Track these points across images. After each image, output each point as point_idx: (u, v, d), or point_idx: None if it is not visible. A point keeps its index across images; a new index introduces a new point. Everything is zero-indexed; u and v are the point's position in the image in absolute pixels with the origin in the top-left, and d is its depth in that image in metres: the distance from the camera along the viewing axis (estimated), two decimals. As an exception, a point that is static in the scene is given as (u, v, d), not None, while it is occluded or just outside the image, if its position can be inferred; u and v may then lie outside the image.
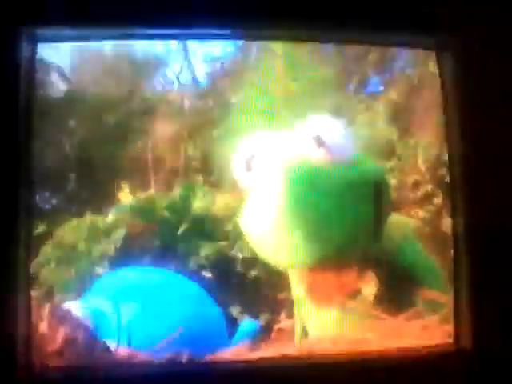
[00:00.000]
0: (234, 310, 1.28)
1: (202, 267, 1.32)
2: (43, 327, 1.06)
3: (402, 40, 1.18)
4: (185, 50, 1.34)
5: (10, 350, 0.93)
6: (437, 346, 1.09)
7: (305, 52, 1.28)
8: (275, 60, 1.27)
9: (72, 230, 1.30)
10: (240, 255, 1.32)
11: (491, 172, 1.06)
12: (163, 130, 1.37)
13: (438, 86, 1.12)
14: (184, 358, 1.07)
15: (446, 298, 1.12)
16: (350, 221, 1.23)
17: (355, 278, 1.24)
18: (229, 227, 1.34)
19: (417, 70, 1.38)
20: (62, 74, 1.29)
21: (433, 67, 1.15)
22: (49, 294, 1.16)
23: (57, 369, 1.02)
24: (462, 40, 1.08)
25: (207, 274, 1.31)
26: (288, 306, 1.28)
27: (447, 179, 1.11)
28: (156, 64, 1.37)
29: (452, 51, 1.10)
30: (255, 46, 1.35)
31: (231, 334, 1.24)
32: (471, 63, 1.08)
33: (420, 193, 1.36)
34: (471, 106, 1.07)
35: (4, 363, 0.92)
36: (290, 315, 1.28)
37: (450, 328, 1.08)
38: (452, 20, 1.08)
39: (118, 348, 1.12)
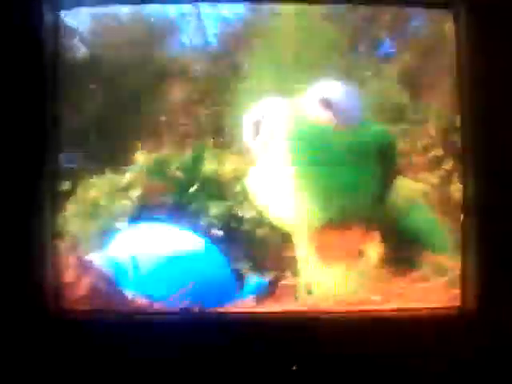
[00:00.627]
0: (242, 267, 1.33)
1: (211, 225, 1.36)
2: (69, 276, 1.14)
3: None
4: (197, 13, 1.36)
5: (41, 295, 1.03)
6: (442, 308, 1.11)
7: (316, 14, 1.27)
8: (286, 22, 1.27)
9: (93, 188, 1.37)
10: (248, 214, 1.36)
11: (503, 137, 1.05)
12: (176, 92, 1.40)
13: (452, 49, 1.11)
14: (195, 309, 1.14)
15: (453, 263, 1.13)
16: (357, 182, 1.24)
17: (361, 239, 1.27)
18: (237, 188, 1.38)
19: (431, 31, 1.35)
20: (83, 39, 1.34)
21: (448, 29, 1.13)
22: (74, 246, 1.24)
23: (82, 313, 1.11)
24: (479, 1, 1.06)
25: (217, 232, 1.35)
26: (293, 264, 1.32)
27: (458, 144, 1.11)
28: (170, 28, 1.40)
29: (468, 12, 1.08)
30: (266, 9, 1.35)
31: (239, 289, 1.30)
32: (487, 25, 1.06)
33: (430, 157, 1.35)
34: (486, 70, 1.06)
35: (35, 307, 1.02)
36: (296, 273, 1.31)
37: (455, 292, 1.10)
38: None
39: (135, 297, 1.19)
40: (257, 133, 1.29)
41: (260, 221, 1.33)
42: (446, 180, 1.30)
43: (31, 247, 1.02)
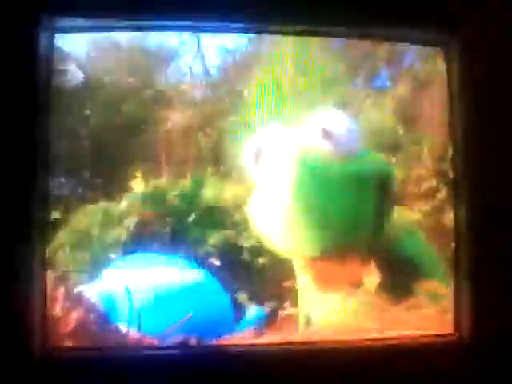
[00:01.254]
0: (241, 297, 1.31)
1: (210, 255, 1.35)
2: (58, 309, 1.09)
3: (411, 36, 1.21)
4: (198, 41, 1.36)
5: (27, 331, 0.98)
6: (437, 335, 1.12)
7: (315, 46, 1.29)
8: (285, 54, 1.29)
9: (86, 216, 1.33)
10: (247, 244, 1.35)
11: (493, 168, 1.08)
12: (175, 119, 1.39)
13: (444, 83, 1.15)
14: (192, 343, 1.11)
15: (447, 289, 1.16)
16: (355, 212, 1.26)
17: (358, 268, 1.28)
18: (237, 216, 1.37)
19: (424, 66, 1.39)
20: (79, 64, 1.32)
21: (440, 64, 1.17)
22: (63, 278, 1.19)
23: (70, 349, 1.06)
24: (469, 38, 1.10)
25: (215, 262, 1.34)
26: (293, 293, 1.31)
27: (451, 173, 1.14)
28: (169, 55, 1.40)
29: (459, 49, 1.12)
30: (266, 40, 1.37)
31: (238, 321, 1.28)
32: (478, 61, 1.10)
33: (424, 187, 1.38)
34: (477, 103, 1.10)
35: (21, 343, 0.97)
36: (295, 303, 1.31)
37: (450, 318, 1.12)
38: (460, 18, 1.10)
39: (129, 331, 1.15)
40: (257, 161, 1.29)
41: (259, 250, 1.33)
42: (440, 209, 1.33)
43: (17, 278, 0.97)
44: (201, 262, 1.33)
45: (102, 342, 1.12)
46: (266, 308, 1.29)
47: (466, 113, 1.12)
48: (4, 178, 0.97)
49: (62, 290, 1.13)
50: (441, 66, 1.17)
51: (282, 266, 1.31)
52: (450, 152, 1.14)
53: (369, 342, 1.11)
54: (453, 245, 1.13)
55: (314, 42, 1.30)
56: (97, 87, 1.35)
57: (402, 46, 1.42)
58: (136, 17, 1.08)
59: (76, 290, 1.18)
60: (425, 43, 1.24)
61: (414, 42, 1.29)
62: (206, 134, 1.41)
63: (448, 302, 1.14)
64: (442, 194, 1.33)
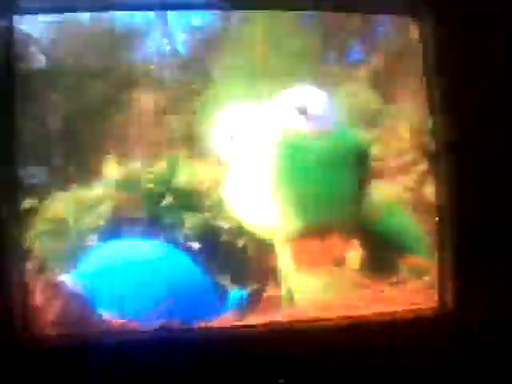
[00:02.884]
0: (222, 279, 1.30)
1: (188, 238, 1.32)
2: (38, 299, 1.07)
3: (383, 6, 1.18)
4: (164, 20, 1.32)
5: (8, 322, 0.96)
6: (421, 310, 1.11)
7: (284, 21, 1.27)
8: (255, 30, 1.26)
9: (60, 204, 1.30)
10: (226, 225, 1.33)
11: (474, 138, 1.07)
12: (145, 102, 1.36)
13: (419, 52, 1.13)
14: (174, 326, 1.09)
15: (430, 264, 1.15)
16: (333, 189, 1.24)
17: (340, 246, 1.26)
18: (213, 198, 1.35)
19: (398, 36, 1.38)
20: (42, 47, 1.27)
21: (414, 33, 1.15)
22: (42, 267, 1.18)
23: (53, 338, 1.04)
24: (441, 4, 1.09)
25: (194, 245, 1.32)
26: (275, 274, 1.30)
27: (431, 146, 1.12)
28: (136, 35, 1.36)
29: (433, 17, 1.10)
30: (235, 16, 1.34)
31: (220, 303, 1.26)
32: (452, 28, 1.08)
33: (403, 160, 1.37)
34: (452, 71, 1.08)
35: (2, 335, 0.94)
36: (277, 283, 1.29)
37: (434, 293, 1.10)
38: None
39: (111, 317, 1.13)
40: (231, 141, 1.27)
41: (238, 231, 1.31)
42: (420, 182, 1.32)
43: None
44: (180, 246, 1.31)
45: (84, 329, 1.10)
46: (249, 289, 1.28)
47: (442, 81, 1.10)
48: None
49: (41, 279, 1.12)
50: (415, 35, 1.15)
51: (262, 246, 1.30)
52: (429, 123, 1.12)
53: (353, 320, 1.10)
54: (435, 218, 1.12)
55: (285, 17, 1.27)
56: (61, 71, 1.30)
57: (374, 17, 1.39)
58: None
59: (55, 279, 1.16)
60: (398, 13, 1.22)
61: (386, 11, 1.27)
62: (177, 116, 1.38)
63: (432, 277, 1.13)
64: (422, 167, 1.31)
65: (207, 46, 1.39)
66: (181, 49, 1.38)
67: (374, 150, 1.33)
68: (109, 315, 1.14)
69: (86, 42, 1.32)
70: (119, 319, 1.13)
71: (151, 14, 1.32)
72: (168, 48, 1.36)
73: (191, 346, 1.02)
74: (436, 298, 1.10)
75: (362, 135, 1.32)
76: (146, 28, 1.35)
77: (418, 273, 1.21)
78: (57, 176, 1.30)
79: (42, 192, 1.25)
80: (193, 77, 1.39)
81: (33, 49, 1.25)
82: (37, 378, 0.95)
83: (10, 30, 1.02)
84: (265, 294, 1.28)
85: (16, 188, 1.01)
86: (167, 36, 1.33)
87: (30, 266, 1.08)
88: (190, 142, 1.37)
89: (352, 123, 1.34)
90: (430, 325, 1.09)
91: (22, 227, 1.04)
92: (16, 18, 1.04)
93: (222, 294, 1.28)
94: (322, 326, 1.08)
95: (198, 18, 1.36)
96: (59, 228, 1.29)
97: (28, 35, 1.21)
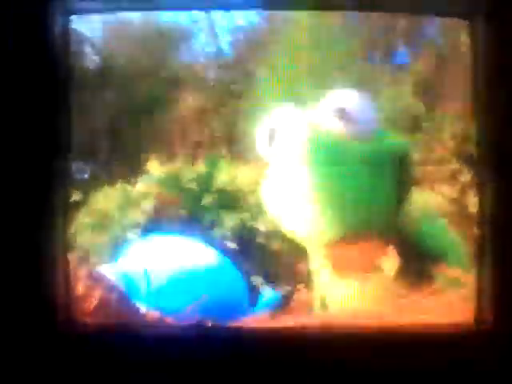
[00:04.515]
0: (256, 280, 1.31)
1: (225, 238, 1.35)
2: (80, 288, 1.12)
3: (434, 7, 1.15)
4: (210, 20, 1.33)
5: (52, 309, 1.01)
6: (457, 323, 1.09)
7: (330, 22, 1.25)
8: (300, 30, 1.25)
9: (105, 199, 1.35)
10: (262, 227, 1.34)
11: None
12: (189, 101, 1.38)
13: (468, 58, 1.09)
14: (208, 324, 1.12)
15: (469, 277, 1.12)
16: (372, 195, 1.23)
17: (376, 253, 1.25)
18: (251, 199, 1.36)
19: (447, 40, 1.33)
20: (94, 46, 1.31)
21: (464, 37, 1.11)
22: (85, 258, 1.22)
23: (92, 326, 1.09)
24: (497, 8, 1.04)
25: (231, 245, 1.33)
26: (308, 277, 1.30)
27: (474, 155, 1.09)
28: (182, 35, 1.38)
29: (485, 21, 1.06)
30: (280, 16, 1.33)
31: (252, 303, 1.29)
32: (505, 36, 1.04)
33: (446, 169, 1.34)
34: (502, 79, 1.04)
35: (46, 320, 0.99)
36: (310, 286, 1.30)
37: (470, 307, 1.07)
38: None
39: (147, 311, 1.17)
40: (271, 143, 1.27)
41: (274, 233, 1.32)
42: (462, 192, 1.28)
43: (42, 259, 0.99)
44: (217, 245, 1.33)
45: (121, 320, 1.15)
46: (281, 291, 1.29)
47: (491, 90, 1.06)
48: (26, 163, 0.98)
49: (83, 270, 1.16)
50: (465, 40, 1.11)
51: (297, 249, 1.30)
52: (475, 132, 1.09)
53: (386, 328, 1.08)
54: (476, 230, 1.09)
55: (329, 17, 1.25)
56: (112, 70, 1.34)
57: (422, 20, 1.35)
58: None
59: (97, 270, 1.21)
60: (449, 15, 1.18)
61: (437, 13, 1.23)
62: (219, 116, 1.39)
63: (469, 290, 1.10)
64: (466, 176, 1.28)
65: (251, 46, 1.39)
66: (225, 49, 1.39)
67: (416, 157, 1.30)
68: (145, 308, 1.17)
69: (136, 43, 1.35)
70: (155, 313, 1.16)
71: (198, 14, 1.33)
72: (213, 48, 1.37)
73: (222, 344, 1.04)
74: (473, 311, 1.07)
75: (403, 140, 1.29)
76: (192, 28, 1.36)
77: (456, 285, 1.19)
78: (102, 171, 1.34)
79: (87, 187, 1.30)
80: (236, 77, 1.39)
81: (86, 48, 1.29)
82: (76, 362, 0.99)
83: (66, 29, 1.06)
84: (297, 297, 1.28)
85: (65, 180, 1.04)
86: (213, 36, 1.34)
87: (72, 256, 1.11)
88: (231, 142, 1.38)
89: (394, 128, 1.31)
90: (465, 339, 1.06)
91: (67, 220, 1.07)
92: (72, 18, 1.07)
93: (255, 295, 1.29)
94: (353, 332, 1.08)
95: (242, 19, 1.36)
96: (102, 221, 1.34)
97: (82, 34, 1.25)
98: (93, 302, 1.12)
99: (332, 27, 1.25)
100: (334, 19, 1.27)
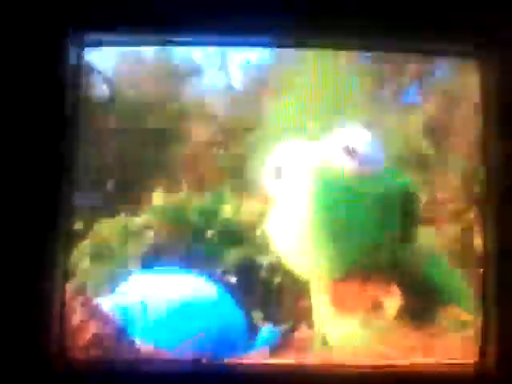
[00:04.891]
0: (256, 316, 1.30)
1: (226, 271, 1.34)
2: (75, 319, 1.12)
3: (443, 49, 1.16)
4: (222, 56, 1.36)
5: (46, 341, 0.99)
6: (459, 365, 1.08)
7: (341, 61, 1.27)
8: (311, 66, 1.26)
9: (107, 229, 1.35)
10: (265, 262, 1.34)
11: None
12: (197, 134, 1.40)
13: (477, 99, 1.10)
14: (205, 360, 1.10)
15: (472, 318, 1.11)
16: (377, 233, 1.22)
17: (379, 291, 1.24)
18: (255, 233, 1.36)
19: (456, 81, 1.34)
20: (105, 78, 1.34)
21: (474, 79, 1.12)
22: (82, 288, 1.22)
23: (85, 361, 1.08)
24: (508, 51, 1.05)
25: (231, 279, 1.33)
26: (309, 314, 1.29)
27: (480, 195, 1.09)
28: (193, 69, 1.40)
29: (496, 62, 1.06)
30: (291, 54, 1.35)
31: (251, 340, 1.27)
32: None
33: (451, 209, 1.33)
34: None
35: (38, 350, 0.98)
36: (311, 324, 1.29)
37: (474, 347, 1.06)
38: (499, 30, 1.05)
39: (143, 345, 1.16)
40: (277, 177, 1.28)
41: (277, 268, 1.31)
42: (467, 232, 1.27)
43: (40, 290, 0.98)
44: (217, 279, 1.33)
45: (115, 355, 1.14)
46: (281, 328, 1.28)
47: (499, 131, 1.06)
48: (30, 189, 0.99)
49: (80, 299, 1.16)
50: (474, 80, 1.11)
51: (299, 285, 1.29)
52: (482, 174, 1.08)
53: (387, 368, 1.07)
54: (480, 270, 1.08)
55: (340, 56, 1.27)
56: (122, 100, 1.36)
57: (433, 59, 1.36)
58: (162, 32, 1.09)
59: (93, 302, 1.20)
60: (459, 56, 1.19)
61: (447, 54, 1.24)
62: (226, 149, 1.40)
63: (473, 330, 1.09)
64: (470, 216, 1.27)
65: (262, 82, 1.41)
66: (235, 84, 1.41)
67: (422, 196, 1.30)
68: (141, 343, 1.17)
69: (147, 75, 1.38)
70: (151, 347, 1.16)
71: (210, 49, 1.36)
72: (223, 83, 1.39)
73: (219, 379, 1.04)
74: (476, 353, 1.05)
75: (410, 179, 1.29)
76: (203, 63, 1.39)
77: (459, 326, 1.18)
78: (107, 201, 1.35)
79: (90, 215, 1.30)
80: (245, 112, 1.41)
81: (97, 78, 1.32)
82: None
83: (79, 60, 1.08)
84: (297, 334, 1.27)
85: (68, 210, 1.04)
86: (223, 71, 1.36)
87: (70, 286, 1.11)
88: (237, 175, 1.39)
89: (402, 166, 1.32)
90: (467, 381, 1.05)
91: (69, 249, 1.07)
92: (86, 50, 1.10)
93: (254, 331, 1.28)
94: (354, 371, 1.06)
95: (253, 55, 1.38)
96: (103, 252, 1.34)
97: (94, 66, 1.28)
98: (87, 335, 1.11)
99: (343, 65, 1.26)
100: (345, 58, 1.29)
